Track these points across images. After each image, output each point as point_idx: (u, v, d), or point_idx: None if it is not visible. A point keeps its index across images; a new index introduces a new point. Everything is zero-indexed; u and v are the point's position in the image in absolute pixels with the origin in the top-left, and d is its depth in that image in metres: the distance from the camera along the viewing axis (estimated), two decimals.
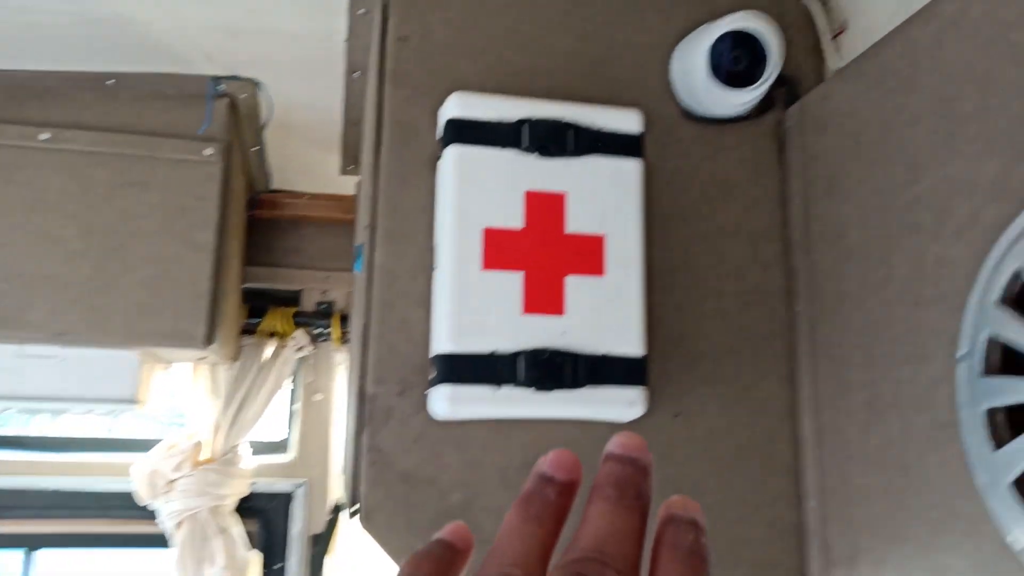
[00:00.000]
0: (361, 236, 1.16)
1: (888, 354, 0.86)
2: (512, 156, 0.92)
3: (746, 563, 0.99)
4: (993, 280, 0.69)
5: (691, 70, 1.03)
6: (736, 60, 1.02)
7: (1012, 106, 0.71)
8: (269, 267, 1.99)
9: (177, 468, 1.78)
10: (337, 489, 2.01)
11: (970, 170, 0.75)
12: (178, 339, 1.38)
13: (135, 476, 1.78)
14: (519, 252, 0.91)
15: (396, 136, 1.00)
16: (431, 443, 0.94)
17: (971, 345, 0.71)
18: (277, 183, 1.97)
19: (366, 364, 0.95)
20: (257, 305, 1.97)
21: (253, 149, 1.71)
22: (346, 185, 1.95)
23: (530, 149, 0.92)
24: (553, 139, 0.93)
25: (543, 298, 0.90)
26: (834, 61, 1.12)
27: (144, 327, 1.36)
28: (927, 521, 0.77)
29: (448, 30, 1.03)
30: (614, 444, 0.26)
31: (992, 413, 0.67)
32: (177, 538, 1.77)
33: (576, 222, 0.93)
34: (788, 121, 1.09)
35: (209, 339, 1.41)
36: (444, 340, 0.88)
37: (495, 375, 0.87)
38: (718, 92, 1.02)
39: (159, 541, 1.85)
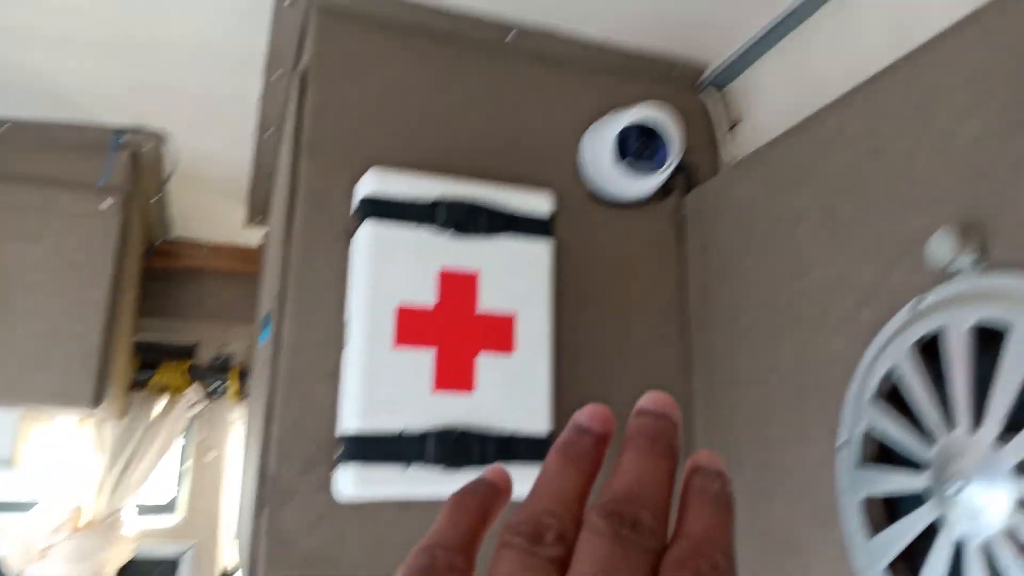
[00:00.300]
0: (267, 305, 1.14)
1: (775, 437, 0.91)
2: (427, 235, 0.94)
3: None
4: (869, 376, 0.75)
5: (598, 156, 1.08)
6: (640, 149, 1.08)
7: (885, 218, 0.78)
8: (164, 319, 1.91)
9: (54, 533, 1.66)
10: (227, 553, 1.92)
11: (849, 271, 0.83)
12: (65, 400, 1.31)
13: (5, 542, 1.65)
14: (431, 330, 0.92)
15: (310, 206, 0.99)
16: (334, 523, 0.92)
17: (849, 435, 0.77)
18: (178, 232, 1.91)
19: (269, 440, 0.93)
20: (149, 358, 1.88)
21: (154, 199, 1.66)
22: (250, 236, 1.91)
23: (445, 228, 0.94)
24: (467, 219, 0.95)
25: (453, 376, 0.92)
26: (728, 152, 1.20)
27: (28, 386, 1.28)
28: None
29: (366, 103, 1.04)
30: (646, 401, 0.28)
31: (868, 501, 0.73)
32: None
33: (488, 301, 0.95)
34: (686, 207, 1.15)
35: (97, 399, 1.34)
36: (352, 418, 0.87)
37: (403, 454, 0.87)
38: (623, 178, 1.07)
39: None
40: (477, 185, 0.99)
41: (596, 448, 0.28)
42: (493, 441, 0.90)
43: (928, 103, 0.74)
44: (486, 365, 0.93)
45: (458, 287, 0.94)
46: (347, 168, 1.00)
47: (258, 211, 1.78)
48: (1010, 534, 0.57)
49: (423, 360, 0.91)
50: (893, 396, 0.73)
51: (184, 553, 1.88)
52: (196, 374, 1.92)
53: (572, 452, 0.27)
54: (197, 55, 1.20)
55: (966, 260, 0.65)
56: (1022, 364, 0.58)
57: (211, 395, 1.94)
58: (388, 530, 0.94)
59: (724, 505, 0.26)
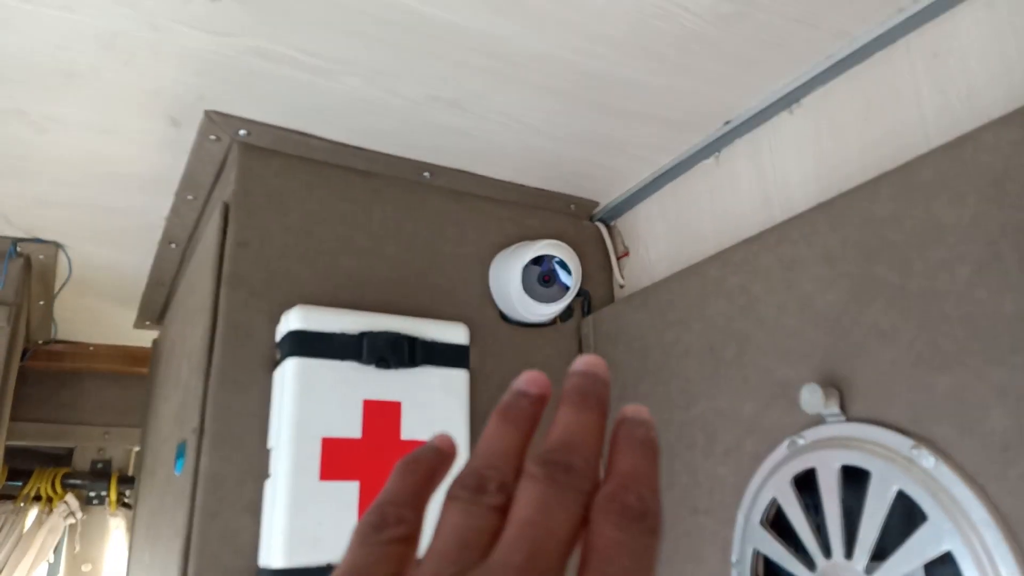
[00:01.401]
0: (178, 435, 1.13)
1: (673, 552, 1.00)
2: (351, 368, 0.98)
3: None
4: (755, 503, 0.86)
5: (506, 284, 1.17)
6: (544, 279, 1.18)
7: (760, 363, 0.91)
8: (38, 422, 1.81)
9: None
10: None
11: (731, 405, 0.94)
12: None
13: None
14: (356, 461, 0.96)
15: (231, 337, 1.01)
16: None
17: (740, 555, 0.87)
18: (60, 334, 1.83)
19: (185, 573, 0.92)
20: (20, 466, 1.77)
21: (40, 303, 1.59)
22: (136, 336, 1.86)
23: (368, 361, 0.99)
24: (391, 351, 1.01)
25: None
26: (618, 278, 1.33)
27: None
28: None
29: (287, 237, 1.08)
30: (578, 363, 0.30)
31: None
32: None
33: (410, 429, 1.00)
34: (584, 329, 1.26)
35: None
36: (276, 553, 0.89)
37: None
38: (529, 305, 1.17)
39: None
40: (397, 318, 1.05)
41: (533, 408, 0.29)
42: None
43: (793, 270, 0.88)
44: None
45: (382, 417, 0.99)
46: (269, 299, 1.04)
47: (150, 315, 1.74)
48: None
49: (349, 491, 0.94)
50: (777, 522, 0.85)
51: None
52: (72, 482, 1.81)
53: (511, 413, 0.29)
54: (105, 174, 1.20)
55: (831, 410, 0.78)
56: (882, 505, 0.70)
57: (88, 503, 1.84)
58: None
59: (649, 447, 0.27)
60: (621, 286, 1.33)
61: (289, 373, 0.96)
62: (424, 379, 1.03)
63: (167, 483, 1.18)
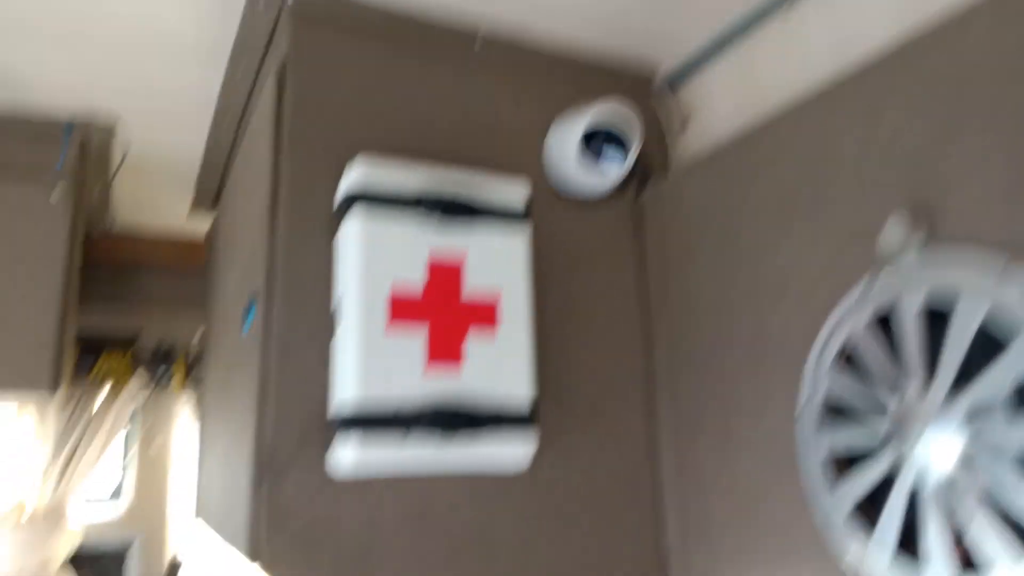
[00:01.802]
0: (245, 298, 1.15)
1: (737, 405, 1.01)
2: (415, 223, 0.98)
3: None
4: (827, 347, 0.85)
5: (563, 154, 1.15)
6: (601, 146, 1.16)
7: (837, 210, 0.88)
8: (107, 308, 1.87)
9: None
10: (176, 542, 1.90)
11: (805, 255, 0.92)
12: (23, 384, 1.28)
13: None
14: (421, 313, 0.97)
15: (295, 196, 1.02)
16: (329, 498, 0.96)
17: (809, 400, 0.87)
18: (120, 221, 1.87)
19: (264, 418, 0.96)
20: (91, 347, 1.84)
21: (99, 189, 1.62)
22: (192, 227, 1.89)
23: (432, 216, 0.99)
24: (452, 208, 1.00)
25: (443, 356, 0.97)
26: (679, 150, 1.29)
27: None
28: (775, 548, 0.92)
29: (344, 97, 1.07)
30: None
31: (828, 459, 0.83)
32: None
33: (473, 284, 1.00)
34: (645, 201, 1.24)
35: (55, 384, 1.31)
36: (349, 397, 0.91)
37: (398, 431, 0.92)
38: (586, 174, 1.15)
39: None
40: (458, 173, 1.04)
41: None
42: (482, 414, 0.96)
43: (876, 111, 0.84)
44: (473, 344, 0.98)
45: (445, 272, 0.99)
46: (329, 158, 1.03)
47: (204, 200, 1.76)
48: (960, 478, 0.68)
49: (414, 341, 0.95)
50: (850, 364, 0.84)
51: (131, 543, 1.85)
52: (139, 363, 1.88)
53: None
54: (156, 45, 1.19)
55: (915, 241, 0.76)
56: (970, 324, 0.69)
57: (155, 384, 1.91)
58: (379, 505, 0.99)
59: None
60: (681, 155, 1.29)
61: (354, 228, 0.96)
62: (487, 234, 1.02)
63: (235, 351, 1.21)
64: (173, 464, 1.92)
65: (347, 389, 0.92)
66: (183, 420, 1.93)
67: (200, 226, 1.88)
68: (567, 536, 1.08)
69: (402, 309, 0.96)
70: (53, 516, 1.68)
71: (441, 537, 1.02)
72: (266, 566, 0.93)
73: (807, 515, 0.87)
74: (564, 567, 1.08)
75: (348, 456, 0.92)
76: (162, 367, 1.90)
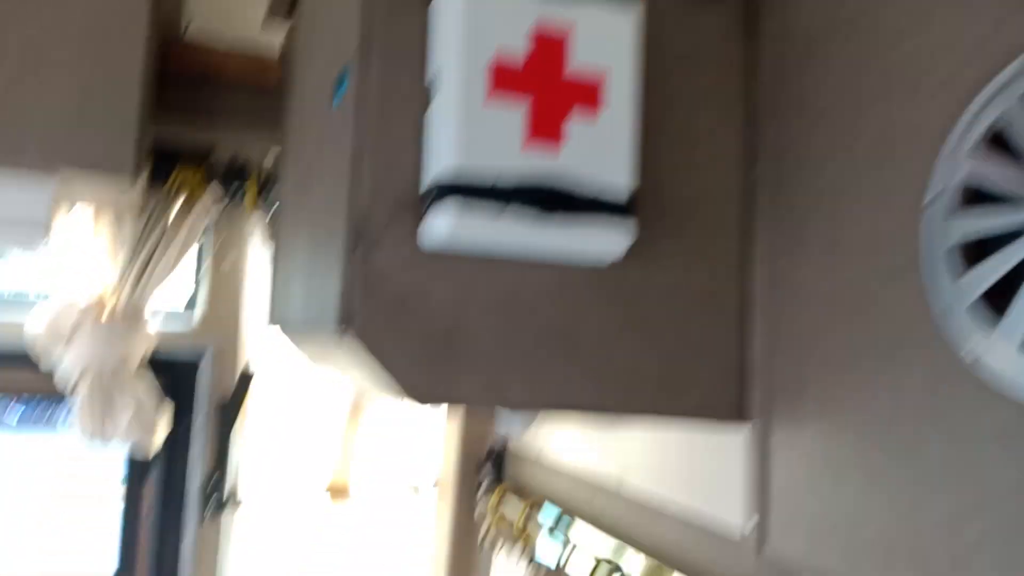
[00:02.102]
0: (332, 73, 1.11)
1: (851, 208, 0.95)
2: None
3: (690, 401, 1.09)
4: (971, 128, 0.78)
5: None
6: None
7: None
8: (182, 120, 1.85)
9: (76, 324, 1.67)
10: (246, 354, 1.96)
11: (951, 34, 0.83)
12: (106, 167, 1.28)
13: (31, 328, 1.65)
14: (523, 85, 0.91)
15: None
16: (420, 272, 0.95)
17: (943, 188, 0.80)
18: (195, 33, 1.82)
19: (359, 187, 0.94)
20: (165, 160, 1.83)
21: None
22: (267, 42, 1.83)
23: None
24: None
25: (543, 133, 0.92)
26: None
27: (69, 149, 1.24)
28: (882, 348, 0.88)
29: None
30: None
31: (958, 246, 0.78)
32: (78, 395, 1.67)
33: (578, 60, 0.94)
34: None
35: (138, 170, 1.32)
36: (446, 167, 0.88)
37: (494, 204, 0.89)
38: None
39: (48, 396, 1.76)
40: None
41: None
42: (580, 195, 0.92)
43: None
44: (575, 124, 0.93)
45: (550, 44, 0.93)
46: None
47: (279, 9, 1.69)
48: None
49: (515, 114, 0.91)
50: (995, 146, 0.76)
51: (204, 353, 1.91)
52: (212, 178, 1.88)
53: None
54: None
55: None
56: None
57: (228, 200, 1.91)
58: (468, 284, 0.97)
59: None
60: None
61: None
62: (595, 10, 0.95)
63: (321, 134, 1.18)
64: (245, 278, 1.95)
65: (444, 157, 0.89)
66: (255, 237, 1.94)
67: (275, 40, 1.82)
68: (648, 344, 1.06)
69: (503, 79, 0.91)
70: (131, 317, 1.74)
71: (525, 327, 1.01)
72: (357, 331, 0.93)
73: (922, 310, 0.82)
74: (642, 374, 1.06)
75: (443, 226, 0.89)
76: (235, 183, 1.90)
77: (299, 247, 1.30)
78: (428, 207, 0.91)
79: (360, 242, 0.92)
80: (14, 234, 1.39)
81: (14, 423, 1.93)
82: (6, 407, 1.86)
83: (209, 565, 1.92)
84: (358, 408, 2.12)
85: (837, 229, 0.97)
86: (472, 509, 1.99)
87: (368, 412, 2.14)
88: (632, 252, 1.00)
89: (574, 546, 1.64)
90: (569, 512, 1.68)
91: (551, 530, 1.65)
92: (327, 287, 1.01)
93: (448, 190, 0.87)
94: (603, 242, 0.95)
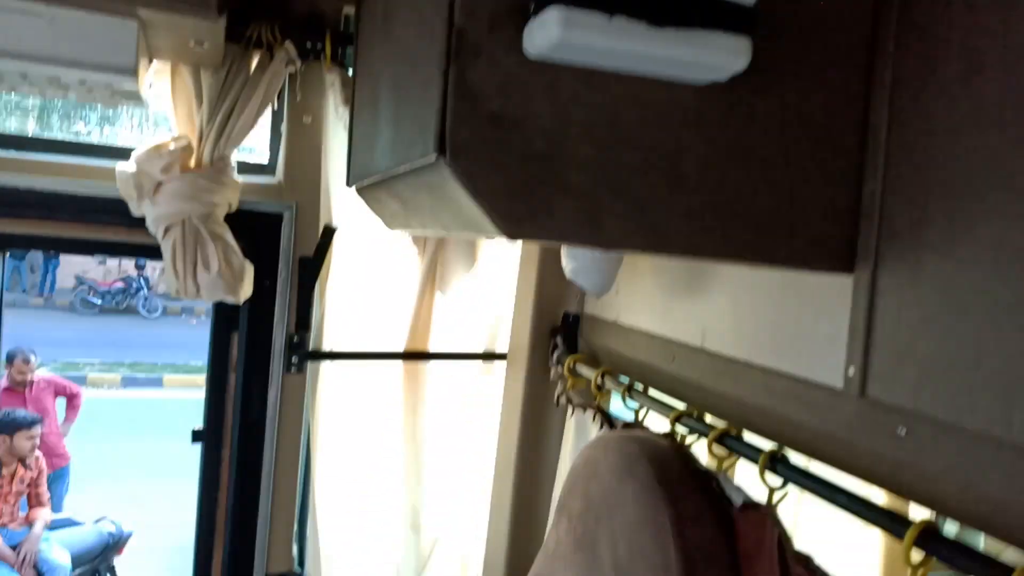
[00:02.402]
0: None
1: (990, 22, 0.85)
2: None
3: (798, 244, 1.04)
4: None
5: None
6: None
7: None
8: None
9: (165, 170, 1.69)
10: (327, 214, 1.97)
11: None
12: (187, 2, 1.25)
13: (121, 178, 1.68)
14: None
15: None
16: (521, 86, 0.90)
17: None
18: None
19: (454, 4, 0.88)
20: (241, 10, 1.79)
21: None
22: None
23: None
24: None
25: None
26: None
27: None
28: (1019, 180, 0.81)
29: None
30: None
31: None
32: (166, 243, 1.72)
33: None
34: None
35: (221, 7, 1.28)
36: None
37: (605, 9, 0.83)
38: None
39: (135, 250, 1.82)
40: None
41: None
42: (697, 4, 0.85)
43: None
44: None
45: None
46: None
47: None
48: None
49: None
50: None
51: (287, 209, 1.93)
52: (289, 33, 1.83)
53: None
54: None
55: None
56: None
57: (305, 58, 1.87)
58: (571, 102, 0.92)
59: None
60: None
61: None
62: None
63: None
64: (325, 137, 1.94)
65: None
66: (333, 94, 1.91)
67: None
68: (758, 176, 1.00)
69: None
70: (216, 167, 1.75)
71: (629, 152, 0.96)
72: (453, 157, 0.89)
73: None
74: (749, 211, 1.01)
75: (547, 32, 0.84)
76: (312, 40, 1.86)
77: (384, 87, 1.26)
78: (533, 12, 0.85)
79: (460, 53, 0.88)
80: (103, 80, 1.38)
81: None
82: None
83: (294, 416, 2.00)
84: (433, 272, 2.13)
85: (978, 45, 0.88)
86: (545, 375, 2.01)
87: (443, 277, 2.14)
88: (749, 71, 0.93)
89: (648, 409, 1.65)
90: (645, 378, 1.68)
91: (628, 390, 1.66)
92: (418, 116, 0.97)
93: None
94: (719, 57, 0.88)
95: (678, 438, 1.49)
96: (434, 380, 2.16)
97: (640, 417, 1.66)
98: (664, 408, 1.55)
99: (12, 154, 1.75)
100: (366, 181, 1.38)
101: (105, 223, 1.81)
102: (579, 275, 1.62)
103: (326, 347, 2.04)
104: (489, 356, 2.20)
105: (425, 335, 2.14)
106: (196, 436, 2.00)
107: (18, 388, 6.23)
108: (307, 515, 2.09)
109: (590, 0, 0.81)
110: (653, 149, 0.96)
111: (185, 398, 9.61)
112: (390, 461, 2.13)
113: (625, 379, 1.72)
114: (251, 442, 1.94)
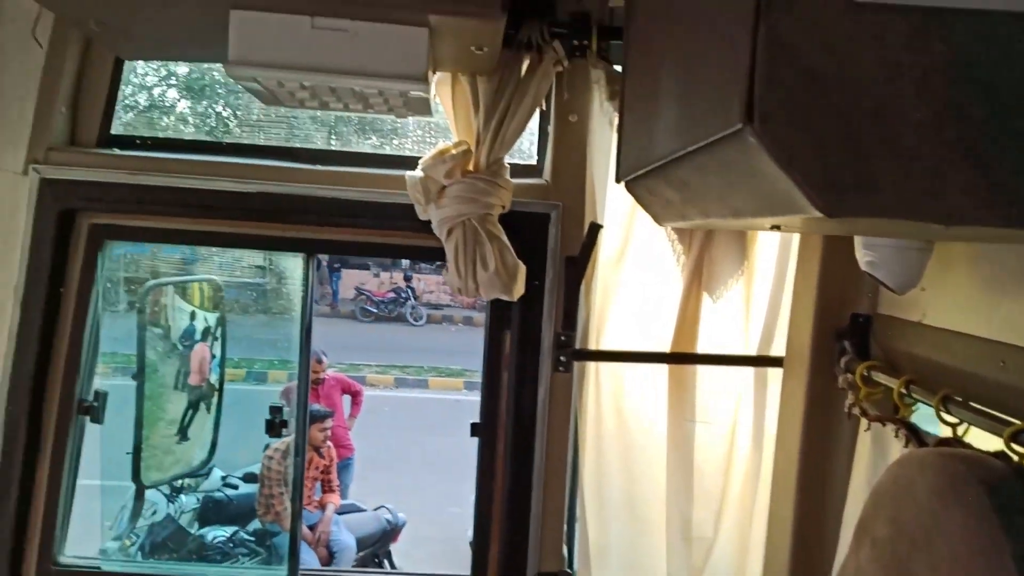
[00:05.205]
0: None
1: None
2: None
3: None
4: None
5: None
6: None
7: None
8: None
9: (448, 175, 1.79)
10: (592, 213, 1.96)
11: None
12: (475, 4, 1.30)
13: (410, 184, 1.81)
14: None
15: None
16: (842, 36, 0.79)
17: None
18: None
19: None
20: (508, 21, 1.84)
21: None
22: None
23: None
24: None
25: None
26: None
27: None
28: None
29: None
30: None
31: None
32: (449, 244, 1.81)
33: None
34: None
35: (504, 6, 1.31)
36: None
37: None
38: None
39: (425, 254, 1.94)
40: None
41: None
42: None
43: None
44: None
45: None
46: None
47: None
48: None
49: None
50: None
51: (554, 209, 1.95)
52: (556, 35, 1.85)
53: None
54: None
55: None
56: None
57: (571, 56, 1.88)
58: (904, 50, 0.78)
59: None
60: None
61: None
62: None
63: None
64: (591, 135, 1.93)
65: None
66: (598, 90, 1.90)
67: None
68: None
69: None
70: (492, 171, 1.81)
71: (979, 104, 0.79)
72: (762, 122, 0.80)
73: None
74: None
75: None
76: (578, 37, 1.86)
77: (665, 70, 1.20)
78: None
79: (771, 4, 0.78)
80: (398, 89, 1.47)
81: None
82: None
83: (562, 415, 2.01)
84: (700, 271, 2.02)
85: None
86: (830, 383, 1.81)
87: (711, 276, 2.03)
88: None
89: (969, 425, 1.41)
90: (964, 387, 1.43)
91: (943, 401, 1.42)
92: (716, 85, 0.89)
93: None
94: None
95: (1015, 459, 1.25)
96: (703, 384, 2.05)
97: (959, 433, 1.42)
98: (994, 423, 1.31)
99: (318, 167, 1.96)
100: (639, 172, 1.33)
101: (396, 228, 1.95)
102: (879, 268, 1.43)
103: (592, 346, 2.03)
104: (763, 361, 2.03)
105: (692, 336, 2.04)
106: (474, 430, 2.08)
107: (313, 385, 7.11)
108: (575, 516, 2.09)
109: None
110: (1009, 97, 0.79)
111: (446, 399, 10.35)
112: (657, 468, 2.06)
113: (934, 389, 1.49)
114: (524, 439, 1.98)
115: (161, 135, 3.17)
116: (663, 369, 2.04)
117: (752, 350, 2.05)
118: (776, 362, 1.98)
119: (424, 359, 13.46)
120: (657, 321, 2.04)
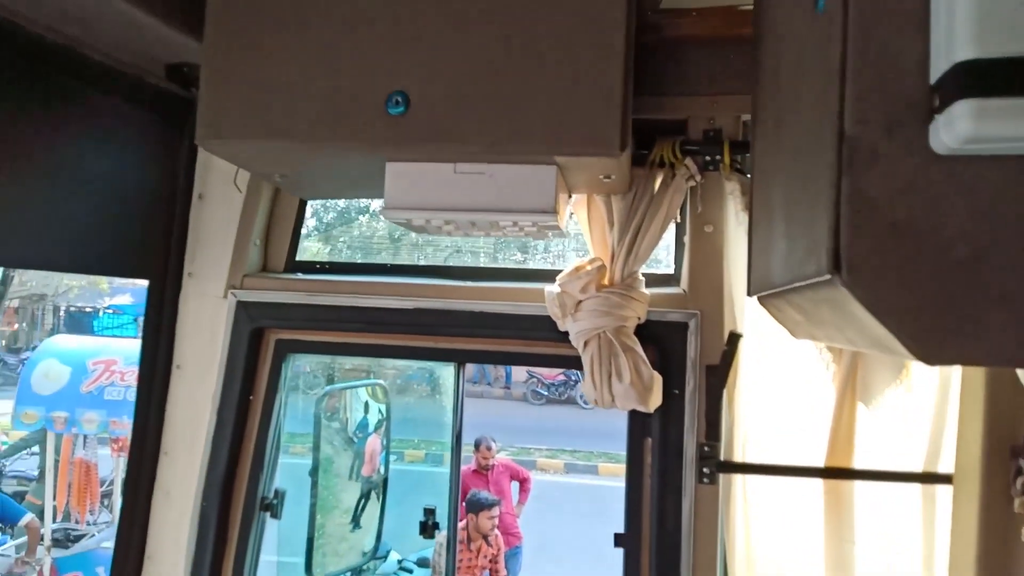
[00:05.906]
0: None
1: None
2: None
3: None
4: None
5: None
6: None
7: None
8: (655, 96, 1.92)
9: (583, 290, 1.87)
10: (731, 321, 1.95)
11: None
12: (595, 146, 1.40)
13: (548, 298, 1.91)
14: None
15: None
16: (928, 188, 0.79)
17: None
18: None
19: (844, 102, 0.83)
20: (643, 136, 1.93)
21: None
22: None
23: None
24: None
25: None
26: None
27: (563, 135, 1.39)
28: None
29: None
30: None
31: None
32: (586, 355, 1.87)
33: None
34: None
35: (623, 144, 1.40)
36: (965, 44, 0.71)
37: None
38: None
39: (566, 362, 2.01)
40: None
41: None
42: None
43: None
44: None
45: None
46: None
47: None
48: None
49: None
50: None
51: (691, 319, 1.96)
52: (689, 148, 1.92)
53: None
54: None
55: None
56: None
57: (704, 169, 1.93)
58: (997, 197, 0.78)
59: None
60: None
61: None
62: None
63: (799, 64, 1.09)
64: (726, 245, 1.95)
65: (960, 35, 0.72)
66: (732, 200, 1.92)
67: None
68: None
69: None
70: (627, 284, 1.87)
71: None
72: (850, 274, 0.82)
73: None
74: None
75: (958, 128, 0.73)
76: (710, 152, 1.91)
77: (776, 198, 1.22)
78: (937, 108, 0.76)
79: (853, 163, 0.81)
80: (530, 220, 1.60)
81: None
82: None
83: (708, 529, 1.96)
84: (852, 380, 1.93)
85: None
86: (1006, 505, 1.64)
87: (866, 387, 1.93)
88: None
89: None
90: None
91: None
92: (809, 232, 0.92)
93: (967, 75, 0.71)
94: None
95: None
96: (862, 502, 1.92)
97: None
98: None
99: (467, 284, 2.12)
100: (765, 292, 1.34)
101: (538, 338, 2.05)
102: None
103: (736, 457, 1.98)
104: (930, 477, 1.88)
105: (848, 451, 1.93)
106: (618, 540, 2.08)
107: (482, 471, 7.28)
108: None
109: (1004, 85, 0.69)
110: None
111: (615, 487, 10.15)
112: None
113: None
114: (669, 551, 1.95)
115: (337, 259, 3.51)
116: (817, 484, 1.94)
117: (917, 465, 1.90)
118: (945, 479, 1.82)
119: (594, 443, 13.34)
120: (806, 432, 1.96)
